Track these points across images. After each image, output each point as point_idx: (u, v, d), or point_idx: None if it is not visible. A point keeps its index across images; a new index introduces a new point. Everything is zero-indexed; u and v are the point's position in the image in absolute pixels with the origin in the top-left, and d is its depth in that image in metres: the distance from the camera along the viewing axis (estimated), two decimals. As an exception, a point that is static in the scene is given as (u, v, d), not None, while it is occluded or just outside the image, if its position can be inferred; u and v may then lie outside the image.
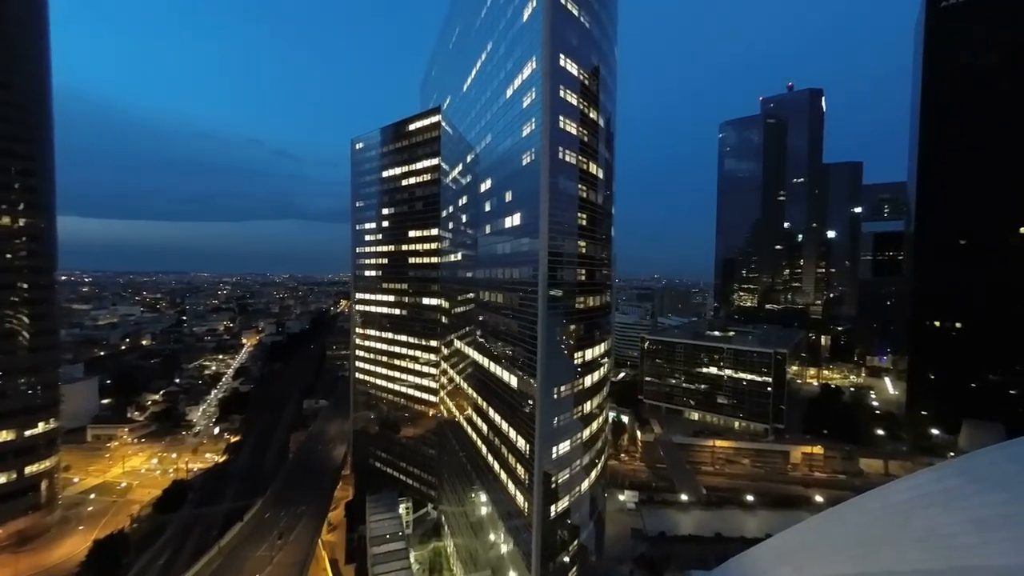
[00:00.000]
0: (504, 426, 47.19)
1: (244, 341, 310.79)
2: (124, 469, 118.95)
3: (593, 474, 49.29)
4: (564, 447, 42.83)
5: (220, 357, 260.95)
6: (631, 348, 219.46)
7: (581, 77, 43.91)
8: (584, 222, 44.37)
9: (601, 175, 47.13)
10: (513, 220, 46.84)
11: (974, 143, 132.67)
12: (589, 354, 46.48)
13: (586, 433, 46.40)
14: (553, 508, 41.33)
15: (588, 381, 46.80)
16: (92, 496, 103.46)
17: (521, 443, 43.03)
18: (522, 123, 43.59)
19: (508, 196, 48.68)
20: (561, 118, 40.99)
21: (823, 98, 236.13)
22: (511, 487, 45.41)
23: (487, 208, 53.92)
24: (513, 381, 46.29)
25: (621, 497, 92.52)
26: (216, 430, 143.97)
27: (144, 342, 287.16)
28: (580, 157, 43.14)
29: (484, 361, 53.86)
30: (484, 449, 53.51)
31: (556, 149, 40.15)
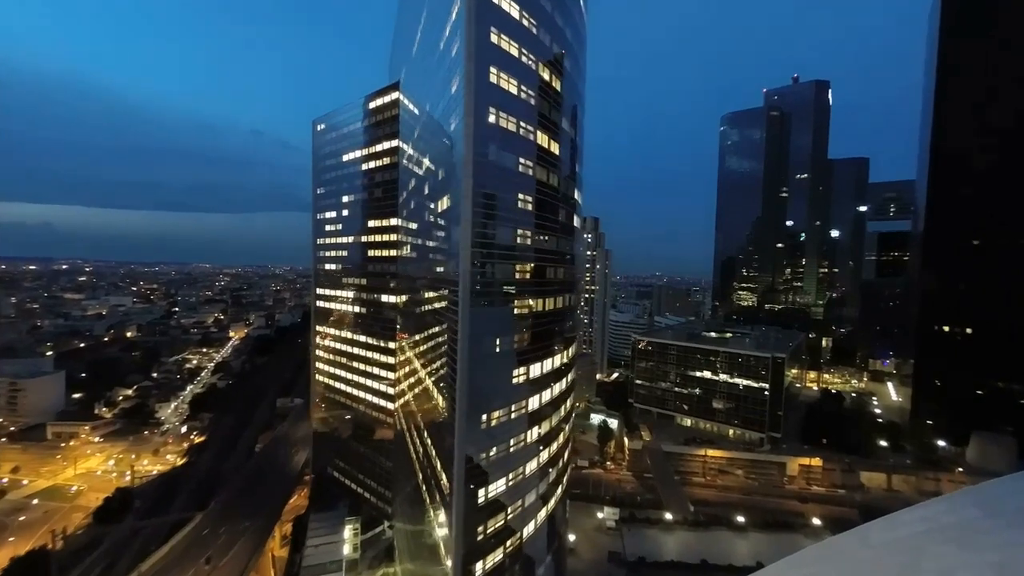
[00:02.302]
0: (432, 453, 39.72)
1: (232, 334, 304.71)
2: (79, 471, 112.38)
3: (543, 512, 41.59)
4: (497, 488, 35.28)
5: (204, 350, 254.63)
6: (626, 347, 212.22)
7: (526, 22, 35.81)
8: (530, 206, 36.63)
9: (557, 150, 39.07)
10: (442, 203, 39.10)
11: (992, 138, 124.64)
12: (538, 369, 38.67)
13: (532, 465, 38.65)
14: (480, 565, 33.93)
15: (536, 402, 39.06)
16: (35, 501, 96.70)
17: (444, 481, 35.55)
18: (451, 77, 35.46)
19: (441, 174, 40.80)
20: (493, 70, 32.94)
21: (829, 91, 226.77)
22: (436, 532, 37.95)
23: (426, 191, 46.17)
24: (440, 402, 38.77)
25: (600, 514, 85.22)
26: (183, 429, 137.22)
27: (129, 334, 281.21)
28: (523, 124, 35.18)
29: (423, 374, 46.32)
30: (420, 475, 46.04)
31: (484, 108, 32.22)
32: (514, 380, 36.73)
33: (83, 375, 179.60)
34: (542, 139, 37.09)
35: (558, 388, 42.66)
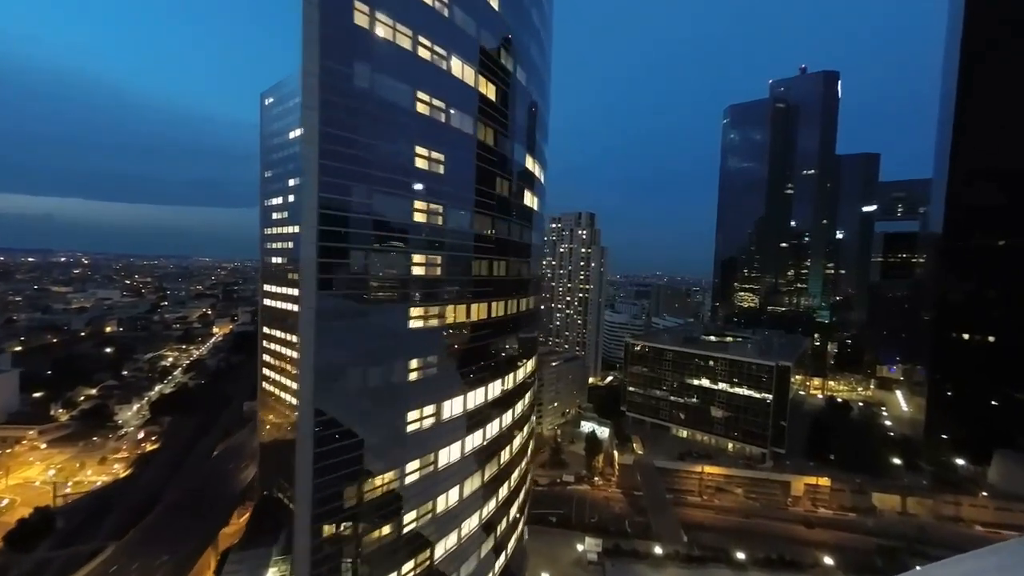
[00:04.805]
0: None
1: (216, 330, 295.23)
2: (15, 481, 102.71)
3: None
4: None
5: (183, 347, 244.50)
6: (622, 349, 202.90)
7: None
8: (441, 168, 25.10)
9: (494, 95, 27.72)
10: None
11: (1019, 134, 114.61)
12: (458, 405, 27.89)
13: (449, 542, 27.79)
14: None
15: (456, 451, 27.91)
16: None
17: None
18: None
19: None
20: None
21: (839, 82, 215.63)
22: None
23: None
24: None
25: (580, 547, 75.16)
26: (140, 434, 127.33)
27: (108, 328, 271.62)
28: (428, 42, 23.33)
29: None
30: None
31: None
32: (411, 427, 25.20)
33: (49, 372, 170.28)
34: (465, 73, 25.74)
35: (497, 426, 31.79)
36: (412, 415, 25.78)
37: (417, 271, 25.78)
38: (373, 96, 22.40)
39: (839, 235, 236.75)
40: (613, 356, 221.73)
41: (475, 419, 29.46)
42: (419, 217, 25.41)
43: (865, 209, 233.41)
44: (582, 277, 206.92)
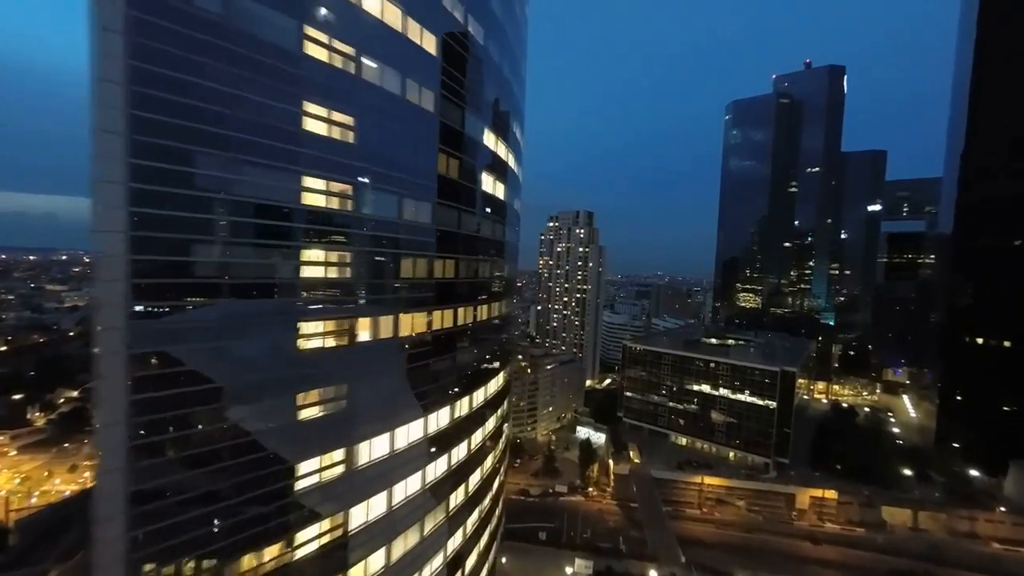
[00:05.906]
0: None
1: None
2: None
3: None
4: None
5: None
6: (620, 351, 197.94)
7: None
8: (351, 135, 19.64)
9: (431, 45, 22.34)
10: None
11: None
12: (383, 445, 21.63)
13: None
14: None
15: (376, 508, 21.57)
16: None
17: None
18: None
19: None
20: None
21: (844, 77, 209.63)
22: None
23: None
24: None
25: (569, 569, 69.89)
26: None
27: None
28: None
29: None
30: None
31: None
32: (303, 483, 18.85)
33: (32, 373, 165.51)
34: (386, 12, 20.04)
35: (444, 464, 24.92)
36: (306, 467, 19.32)
37: (311, 272, 19.77)
38: (230, 26, 16.63)
39: (844, 235, 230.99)
40: (612, 358, 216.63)
41: (409, 461, 23.04)
42: (313, 199, 19.53)
43: (871, 208, 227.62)
44: (580, 277, 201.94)
